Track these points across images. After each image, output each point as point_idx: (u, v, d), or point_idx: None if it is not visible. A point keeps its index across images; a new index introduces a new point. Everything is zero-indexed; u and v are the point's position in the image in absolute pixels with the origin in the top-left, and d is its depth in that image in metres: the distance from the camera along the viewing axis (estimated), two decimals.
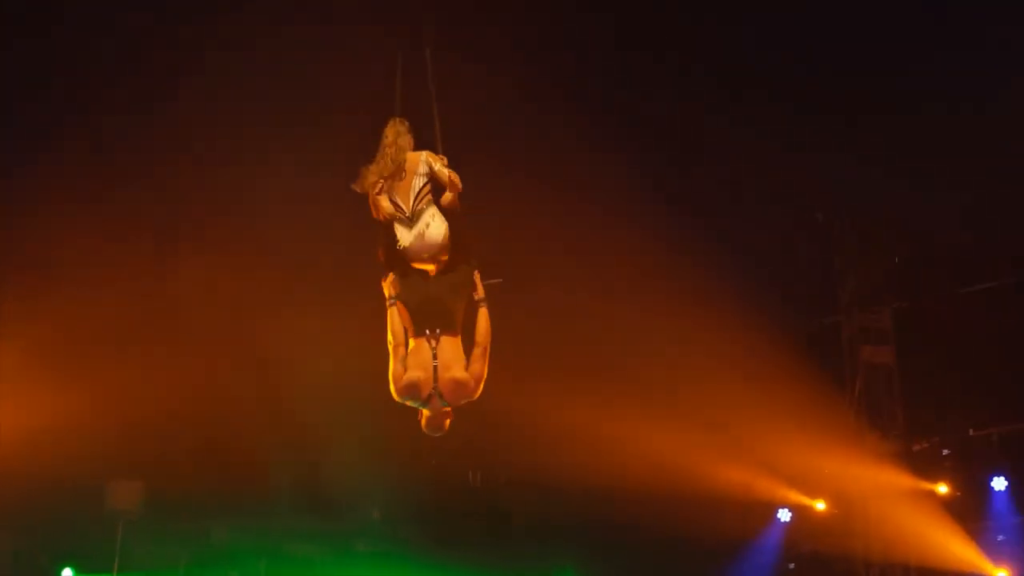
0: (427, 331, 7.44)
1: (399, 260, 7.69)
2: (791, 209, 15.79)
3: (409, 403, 7.39)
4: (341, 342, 14.52)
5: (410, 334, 7.53)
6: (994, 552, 16.29)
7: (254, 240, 13.87)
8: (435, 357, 7.36)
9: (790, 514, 17.41)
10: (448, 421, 7.48)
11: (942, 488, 16.44)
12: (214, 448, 15.50)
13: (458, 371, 7.39)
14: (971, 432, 16.34)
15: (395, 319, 7.60)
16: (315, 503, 17.29)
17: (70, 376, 14.45)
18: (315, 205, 12.68)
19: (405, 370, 7.38)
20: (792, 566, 17.94)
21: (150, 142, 13.01)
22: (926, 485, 16.41)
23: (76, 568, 16.90)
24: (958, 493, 16.47)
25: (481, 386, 7.45)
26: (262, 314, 14.58)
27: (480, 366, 7.46)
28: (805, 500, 17.22)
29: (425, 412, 7.39)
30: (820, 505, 17.17)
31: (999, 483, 16.24)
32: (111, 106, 12.78)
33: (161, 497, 16.78)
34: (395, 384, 7.38)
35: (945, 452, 16.68)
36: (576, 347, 15.32)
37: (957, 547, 16.11)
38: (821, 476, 16.83)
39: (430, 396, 7.34)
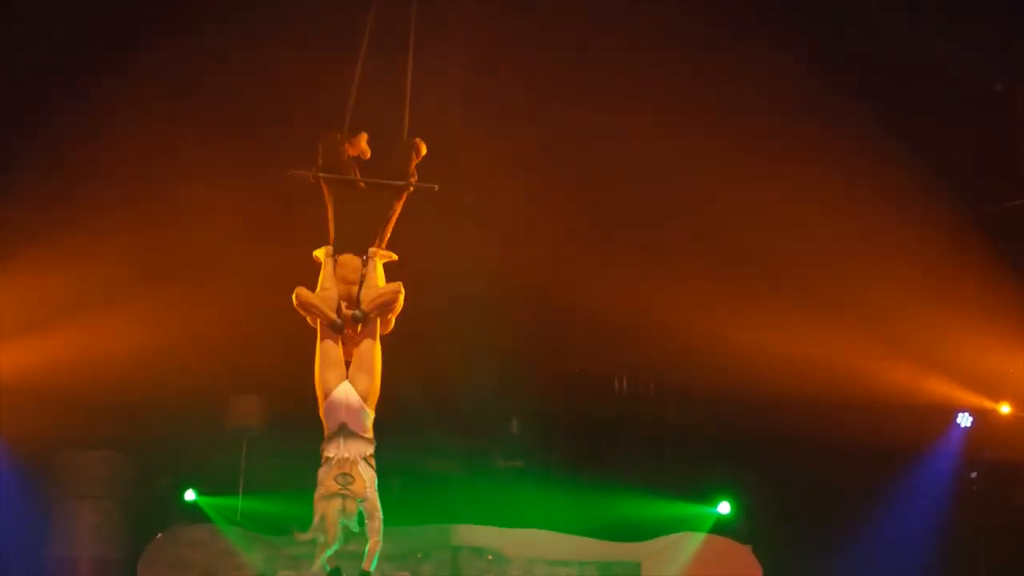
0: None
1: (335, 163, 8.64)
2: (966, 81, 15.01)
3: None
4: (471, 246, 14.70)
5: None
6: None
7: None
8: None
9: (971, 419, 17.05)
10: None
11: None
12: None
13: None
14: None
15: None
16: (450, 417, 17.31)
17: (187, 290, 14.57)
18: None
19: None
20: (974, 475, 17.65)
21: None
22: None
23: (199, 490, 17.13)
24: None
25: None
26: None
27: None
28: (987, 403, 16.85)
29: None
30: (1004, 408, 16.80)
31: None
32: None
33: (285, 413, 16.55)
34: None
35: None
36: (723, 243, 15.07)
37: None
38: (1005, 376, 16.41)
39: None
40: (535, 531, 17.11)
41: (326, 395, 8.12)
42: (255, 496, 17.06)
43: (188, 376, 15.47)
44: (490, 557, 16.96)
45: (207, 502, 17.01)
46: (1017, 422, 16.71)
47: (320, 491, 7.92)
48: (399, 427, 16.81)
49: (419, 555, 16.88)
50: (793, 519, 17.11)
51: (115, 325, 14.78)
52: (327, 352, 8.24)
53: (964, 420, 17.06)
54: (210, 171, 13.87)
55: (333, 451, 8.01)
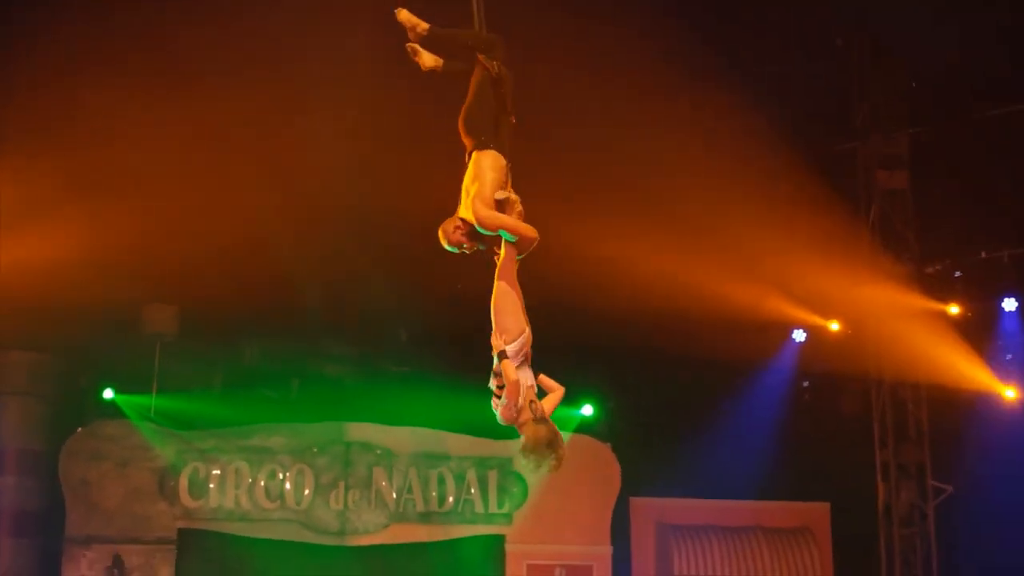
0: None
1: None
2: (808, 33, 16.30)
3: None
4: (371, 159, 15.11)
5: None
6: (1003, 371, 17.23)
7: (276, 59, 14.30)
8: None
9: (805, 334, 18.11)
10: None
11: (953, 309, 17.13)
12: (246, 271, 15.84)
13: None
14: (983, 254, 16.93)
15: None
16: (345, 324, 17.88)
17: (105, 205, 14.98)
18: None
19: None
20: (806, 384, 18.80)
21: None
22: (938, 306, 17.10)
23: (117, 389, 17.70)
24: (969, 314, 17.17)
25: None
26: (290, 137, 14.94)
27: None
28: (819, 321, 17.85)
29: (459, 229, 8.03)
30: (834, 326, 17.83)
31: (1010, 304, 17.04)
32: None
33: (196, 320, 17.53)
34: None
35: (957, 274, 17.34)
36: (590, 170, 15.61)
37: (967, 366, 16.94)
38: (835, 298, 17.35)
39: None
40: (420, 429, 17.91)
41: (521, 331, 7.83)
42: (167, 395, 17.71)
43: (107, 285, 15.79)
44: (379, 452, 17.95)
45: (123, 400, 17.67)
46: (845, 338, 17.78)
47: (533, 418, 7.66)
48: (299, 334, 17.98)
49: (315, 449, 17.93)
50: (648, 421, 18.03)
51: (40, 237, 15.10)
52: (517, 287, 7.93)
53: (799, 336, 18.19)
54: (128, 88, 14.08)
55: (526, 377, 7.77)
